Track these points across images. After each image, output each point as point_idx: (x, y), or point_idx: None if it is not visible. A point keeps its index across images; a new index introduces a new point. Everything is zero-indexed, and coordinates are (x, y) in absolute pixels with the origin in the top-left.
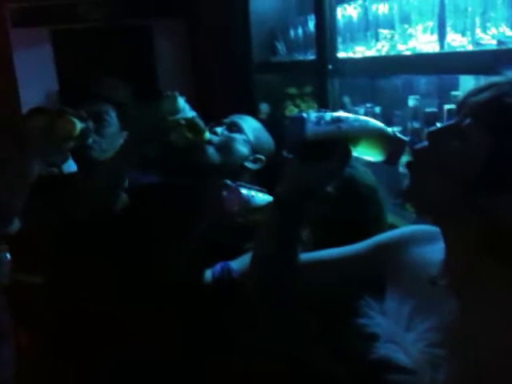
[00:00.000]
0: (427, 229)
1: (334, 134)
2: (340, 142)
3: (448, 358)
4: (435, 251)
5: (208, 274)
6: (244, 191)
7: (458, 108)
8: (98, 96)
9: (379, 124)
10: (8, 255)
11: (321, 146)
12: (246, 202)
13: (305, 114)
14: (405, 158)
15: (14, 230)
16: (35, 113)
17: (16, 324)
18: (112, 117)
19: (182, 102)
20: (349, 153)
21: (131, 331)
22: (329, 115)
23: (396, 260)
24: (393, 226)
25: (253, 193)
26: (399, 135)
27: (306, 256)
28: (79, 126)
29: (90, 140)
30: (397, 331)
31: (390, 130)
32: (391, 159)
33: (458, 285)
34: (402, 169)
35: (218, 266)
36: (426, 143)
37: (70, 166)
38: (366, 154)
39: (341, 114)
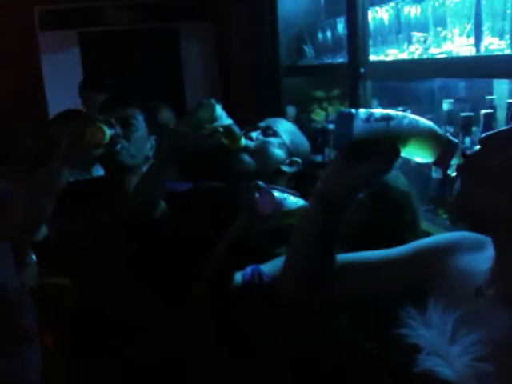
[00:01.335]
0: (472, 236)
1: (383, 132)
2: (389, 140)
3: (496, 373)
4: (481, 260)
5: (238, 277)
6: (276, 194)
7: None
8: (125, 100)
9: (430, 124)
10: (34, 257)
11: (369, 144)
12: (279, 204)
13: (354, 111)
14: (454, 162)
15: (41, 237)
16: (66, 117)
17: (41, 327)
18: (139, 121)
19: (219, 109)
20: (397, 152)
21: (157, 333)
22: (378, 113)
23: (439, 268)
24: (426, 233)
25: (285, 196)
26: (451, 137)
27: (342, 257)
28: (108, 132)
29: (119, 146)
30: (441, 343)
31: (440, 130)
32: (441, 161)
33: (508, 296)
34: (435, 174)
35: (249, 270)
36: (478, 148)
37: (98, 170)
38: (415, 154)
39: (390, 111)
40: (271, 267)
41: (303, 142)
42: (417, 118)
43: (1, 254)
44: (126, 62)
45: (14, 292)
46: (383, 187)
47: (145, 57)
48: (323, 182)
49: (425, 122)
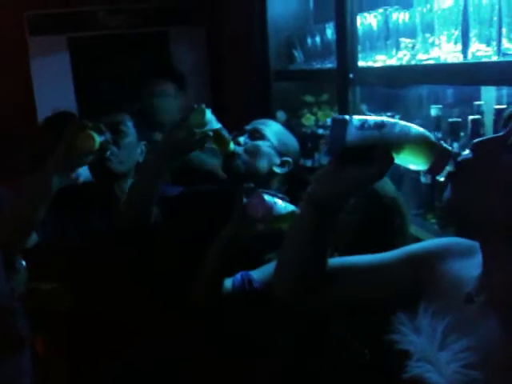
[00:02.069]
0: (463, 242)
1: (377, 139)
2: (382, 147)
3: (485, 380)
4: (471, 266)
5: (228, 283)
6: (267, 197)
7: (506, 120)
8: (115, 105)
9: (424, 131)
10: (24, 263)
11: (362, 150)
12: (269, 208)
13: (348, 117)
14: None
15: (32, 244)
16: (58, 120)
17: (32, 332)
18: (129, 127)
19: (209, 114)
20: (391, 160)
21: (152, 337)
22: (372, 120)
23: (430, 273)
24: (415, 238)
25: (276, 200)
26: (445, 144)
27: (334, 260)
28: (98, 139)
29: (108, 152)
30: (430, 350)
31: (434, 138)
32: (435, 169)
33: (497, 302)
34: (424, 179)
35: (239, 276)
36: (470, 154)
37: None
38: (409, 161)
39: (384, 118)
40: (261, 273)
41: (292, 141)
42: (410, 125)
43: None
44: (117, 66)
45: (5, 298)
46: (372, 192)
47: (135, 61)
48: (316, 185)
49: (418, 129)
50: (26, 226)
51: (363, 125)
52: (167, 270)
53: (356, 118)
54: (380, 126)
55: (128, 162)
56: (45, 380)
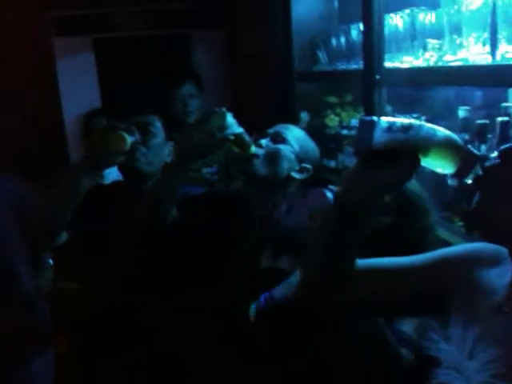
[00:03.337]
0: (492, 249)
1: (404, 142)
2: (409, 150)
3: None
4: (501, 274)
5: (252, 309)
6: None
7: None
8: (143, 106)
9: (451, 134)
10: (51, 262)
11: (389, 153)
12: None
13: (375, 119)
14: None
15: (61, 242)
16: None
17: (54, 329)
18: (158, 128)
19: (230, 117)
20: (417, 162)
21: (167, 338)
22: (399, 122)
23: (461, 279)
24: (442, 240)
25: None
26: (472, 149)
27: (364, 260)
28: (129, 140)
29: (137, 153)
30: (459, 358)
31: (461, 141)
32: (461, 173)
33: None
34: (450, 181)
35: (262, 298)
36: (498, 160)
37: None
38: (435, 165)
39: (412, 121)
40: (282, 290)
41: (313, 148)
42: (436, 127)
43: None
44: (140, 67)
45: (31, 297)
46: (404, 191)
47: (157, 63)
48: (342, 186)
49: (445, 132)
50: (56, 226)
51: (391, 127)
52: (183, 271)
53: (384, 119)
54: (407, 128)
55: (156, 163)
56: (65, 378)
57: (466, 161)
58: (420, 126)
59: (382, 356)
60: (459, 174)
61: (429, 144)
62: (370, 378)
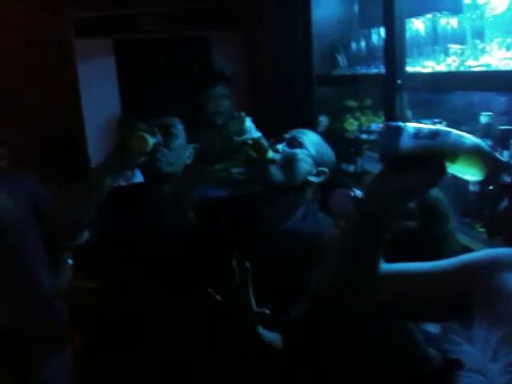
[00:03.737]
0: None
1: (432, 148)
2: (436, 157)
3: None
4: None
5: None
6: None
7: None
8: (165, 108)
9: (478, 141)
10: (70, 262)
11: (415, 159)
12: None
13: (402, 125)
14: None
15: (83, 241)
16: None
17: (72, 329)
18: (179, 129)
19: (248, 122)
20: (444, 169)
21: (180, 338)
22: (427, 129)
23: (485, 283)
24: (463, 246)
25: None
26: (498, 155)
27: (387, 266)
28: (151, 141)
29: (159, 154)
30: (483, 361)
31: (488, 148)
32: (489, 180)
33: None
34: (472, 187)
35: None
36: None
37: (136, 177)
38: (462, 172)
39: (438, 127)
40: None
41: (328, 151)
42: (464, 134)
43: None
44: (159, 69)
45: (49, 296)
46: (427, 196)
47: (177, 64)
48: (366, 192)
49: (472, 139)
50: (77, 226)
51: (418, 133)
52: (193, 272)
53: (410, 125)
54: (435, 134)
55: (176, 164)
56: (80, 376)
57: (493, 168)
58: (447, 132)
59: (412, 357)
60: (487, 181)
61: (456, 151)
62: (400, 379)
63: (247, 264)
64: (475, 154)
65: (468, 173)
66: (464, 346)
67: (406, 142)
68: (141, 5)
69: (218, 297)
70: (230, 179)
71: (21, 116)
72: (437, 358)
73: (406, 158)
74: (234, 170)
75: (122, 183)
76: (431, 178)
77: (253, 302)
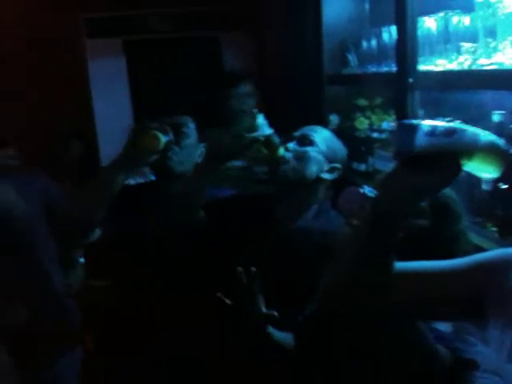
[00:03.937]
0: None
1: (448, 146)
2: (451, 155)
3: None
4: None
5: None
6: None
7: None
8: (177, 107)
9: (494, 138)
10: (82, 260)
11: (430, 157)
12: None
13: (416, 122)
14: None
15: (94, 239)
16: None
17: (83, 328)
18: (190, 128)
19: (260, 119)
20: (459, 168)
21: (193, 336)
22: (442, 126)
23: (498, 283)
24: (475, 245)
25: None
26: None
27: (400, 265)
28: (163, 140)
29: (170, 152)
30: (498, 361)
31: (504, 146)
32: (506, 177)
33: None
34: (485, 186)
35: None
36: None
37: (147, 176)
38: (479, 169)
39: (454, 125)
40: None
41: (340, 147)
42: (479, 131)
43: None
44: (170, 69)
45: (60, 295)
46: (440, 195)
47: (186, 64)
48: (380, 190)
49: (488, 136)
50: (89, 224)
51: (433, 131)
52: (203, 271)
53: (425, 123)
54: (451, 132)
55: (187, 163)
56: (91, 375)
57: (511, 165)
58: (463, 130)
59: (422, 355)
60: (504, 179)
61: (473, 149)
62: (410, 377)
63: (253, 269)
64: (491, 152)
65: (484, 170)
66: (479, 346)
67: (421, 140)
68: (151, 5)
69: (226, 300)
70: (252, 177)
71: (33, 116)
72: (447, 356)
73: (420, 156)
74: (258, 169)
75: (131, 182)
76: (446, 176)
77: (261, 304)
